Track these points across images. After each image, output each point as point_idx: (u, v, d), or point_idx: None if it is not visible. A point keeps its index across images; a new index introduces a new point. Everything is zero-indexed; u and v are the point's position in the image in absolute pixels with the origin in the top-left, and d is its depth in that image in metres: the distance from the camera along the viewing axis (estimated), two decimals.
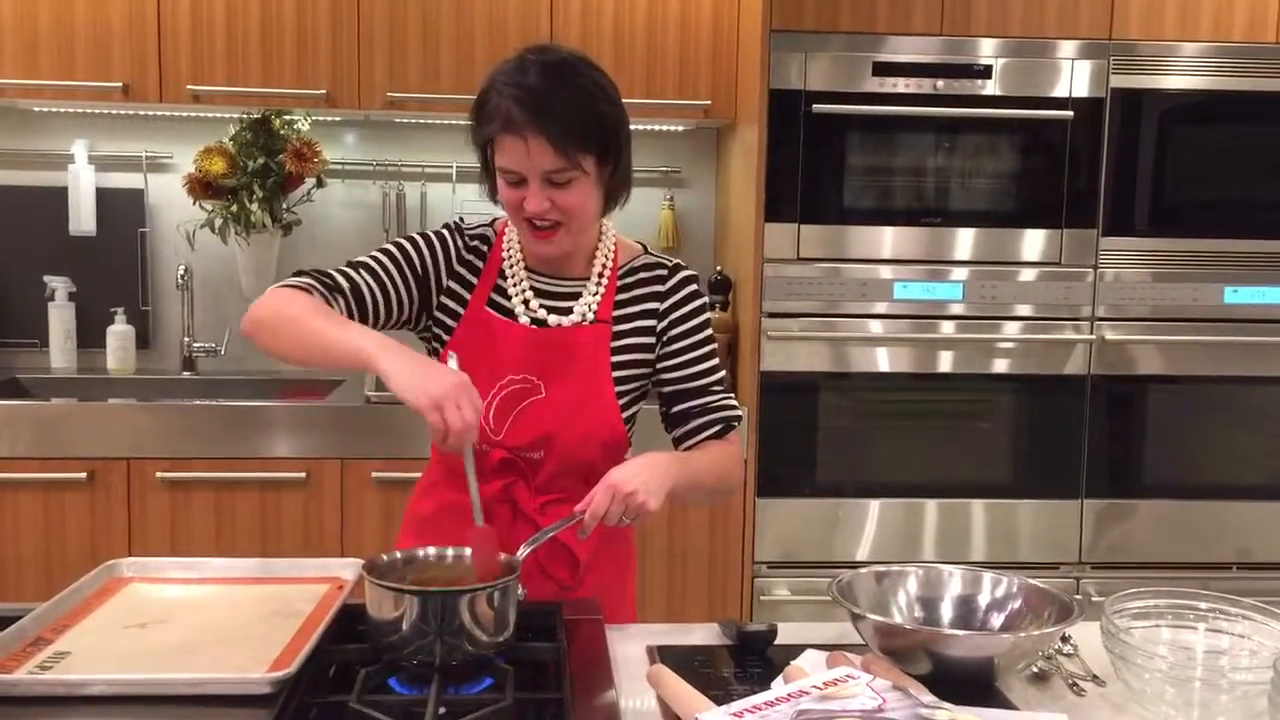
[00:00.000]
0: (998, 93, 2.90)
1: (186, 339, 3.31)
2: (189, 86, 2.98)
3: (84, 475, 2.78)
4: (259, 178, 3.13)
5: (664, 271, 1.73)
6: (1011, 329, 2.96)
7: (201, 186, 3.15)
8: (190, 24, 2.97)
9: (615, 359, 1.68)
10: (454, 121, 3.22)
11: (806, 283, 2.91)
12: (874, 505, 2.98)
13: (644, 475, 1.50)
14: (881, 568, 1.49)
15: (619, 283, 1.71)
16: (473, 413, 1.40)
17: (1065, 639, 1.46)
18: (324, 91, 3.01)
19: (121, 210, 3.31)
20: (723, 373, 1.75)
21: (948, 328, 2.95)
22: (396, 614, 1.26)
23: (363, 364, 1.45)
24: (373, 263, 1.67)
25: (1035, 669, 1.39)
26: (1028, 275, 2.95)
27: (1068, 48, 2.90)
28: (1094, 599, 2.92)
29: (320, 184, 3.27)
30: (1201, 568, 3.03)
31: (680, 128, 3.38)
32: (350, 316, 1.62)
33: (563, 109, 1.52)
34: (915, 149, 2.92)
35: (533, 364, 1.65)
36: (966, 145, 2.93)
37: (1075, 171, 2.93)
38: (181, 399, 2.99)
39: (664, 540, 2.94)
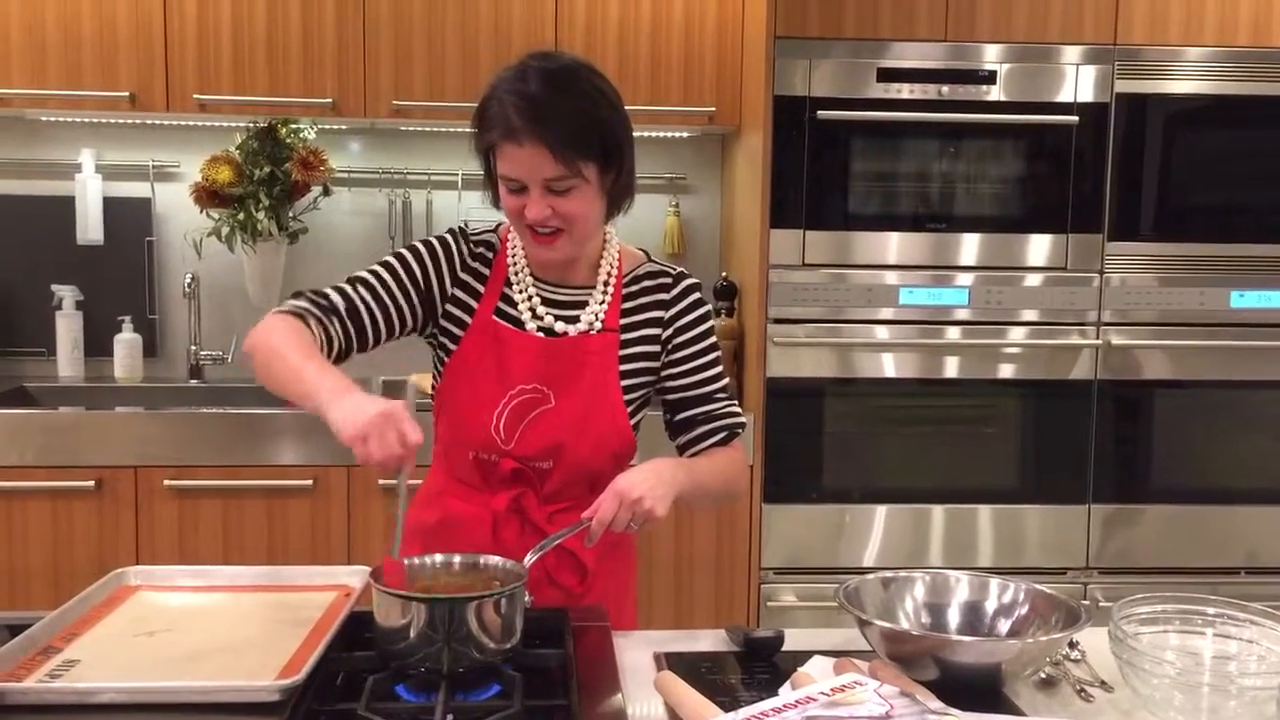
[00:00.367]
0: (1002, 98, 2.90)
1: (193, 347, 3.31)
2: (195, 96, 2.99)
3: (92, 483, 2.78)
4: (265, 186, 3.14)
5: (668, 280, 1.73)
6: (1017, 334, 2.96)
7: (208, 195, 3.16)
8: (197, 33, 2.98)
9: (623, 368, 1.68)
10: (459, 129, 3.22)
11: (812, 289, 2.91)
12: (880, 511, 2.98)
13: (651, 481, 1.50)
14: (888, 574, 1.49)
15: (624, 291, 1.71)
16: (397, 442, 1.34)
17: (1073, 645, 1.45)
18: (330, 100, 3.02)
19: (128, 219, 3.32)
20: (727, 380, 1.76)
21: (953, 333, 2.95)
22: (404, 621, 1.27)
23: (315, 410, 1.43)
24: (372, 278, 1.66)
25: (1043, 675, 1.39)
26: (1033, 281, 2.95)
27: (1072, 53, 2.90)
28: (1101, 604, 2.91)
29: (326, 192, 3.28)
30: (1209, 573, 3.03)
31: (685, 134, 3.38)
32: (348, 338, 1.61)
33: (563, 117, 1.51)
34: (920, 155, 2.92)
35: (542, 373, 1.64)
36: (971, 151, 2.93)
37: (1080, 177, 2.93)
38: (189, 407, 3.00)
39: (670, 546, 2.94)
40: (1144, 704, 1.29)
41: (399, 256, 1.68)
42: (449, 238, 1.70)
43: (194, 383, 3.31)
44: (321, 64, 3.02)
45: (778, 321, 2.91)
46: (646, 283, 1.72)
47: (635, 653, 1.47)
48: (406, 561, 1.42)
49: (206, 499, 2.82)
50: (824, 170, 2.89)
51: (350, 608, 1.43)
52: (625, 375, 1.68)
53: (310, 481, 2.83)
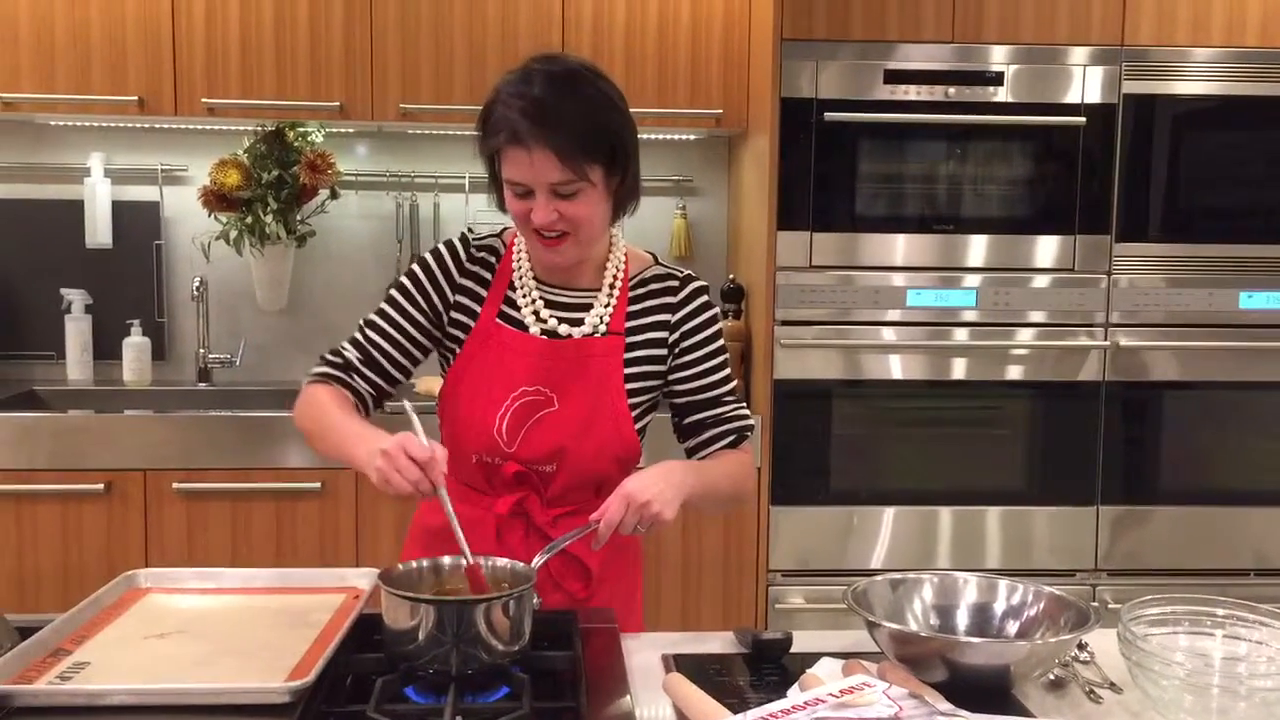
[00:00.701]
0: (1009, 99, 2.90)
1: (202, 350, 3.32)
2: (204, 100, 3.00)
3: (101, 486, 2.79)
4: (273, 190, 3.15)
5: (675, 283, 1.73)
6: (1025, 335, 2.96)
7: (216, 199, 3.17)
8: (205, 38, 2.99)
9: (627, 371, 1.68)
10: (466, 132, 3.19)
11: (819, 291, 2.91)
12: (888, 513, 2.97)
13: (659, 485, 1.50)
14: (897, 575, 1.49)
15: (630, 294, 1.70)
16: (413, 468, 1.41)
17: (1082, 646, 1.45)
18: (338, 103, 3.02)
19: (137, 223, 3.33)
20: (735, 382, 1.75)
21: (961, 335, 2.95)
22: (413, 623, 1.27)
23: (353, 467, 1.53)
24: (379, 319, 1.70)
25: (1052, 676, 1.39)
26: (1041, 282, 2.95)
27: (1079, 54, 2.90)
28: (1110, 606, 2.90)
29: (334, 195, 3.29)
30: (1218, 574, 3.02)
31: (692, 137, 3.39)
32: (374, 385, 1.69)
33: (568, 120, 1.51)
34: (927, 156, 2.92)
35: (545, 376, 1.64)
36: (978, 152, 2.93)
37: (1088, 177, 2.93)
38: (197, 410, 3.00)
39: (678, 549, 2.94)
40: (1153, 705, 1.29)
41: (400, 286, 1.70)
42: (443, 248, 1.71)
43: (202, 386, 3.32)
44: (329, 68, 3.02)
45: (785, 323, 2.91)
46: (653, 285, 1.72)
47: (643, 654, 1.47)
48: (415, 563, 1.43)
49: (215, 502, 2.83)
50: (831, 172, 2.89)
51: (360, 610, 1.44)
52: (630, 379, 1.68)
53: (318, 484, 2.84)
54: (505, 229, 1.75)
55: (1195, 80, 2.92)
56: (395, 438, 1.43)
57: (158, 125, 3.27)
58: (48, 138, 3.31)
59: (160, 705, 1.19)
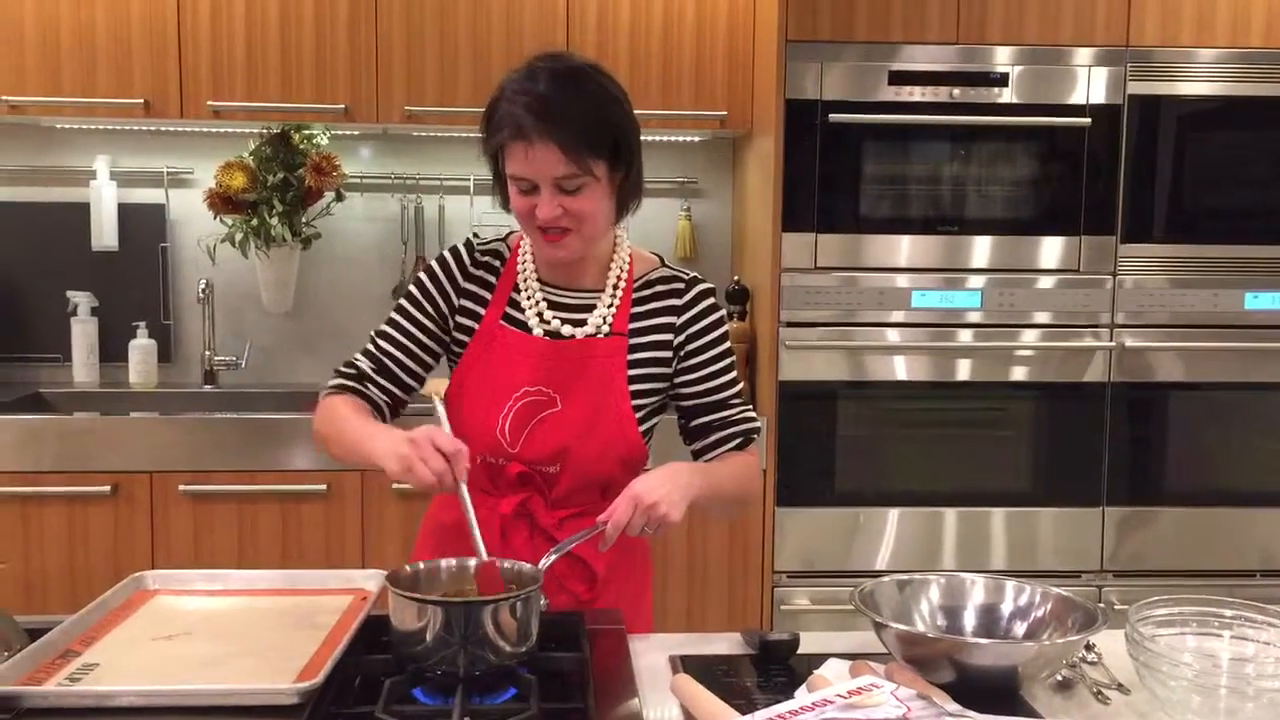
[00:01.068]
0: (1014, 100, 2.90)
1: (207, 353, 3.33)
2: (209, 102, 3.01)
3: (107, 488, 2.80)
4: (279, 192, 3.15)
5: (681, 285, 1.73)
6: (1030, 337, 2.96)
7: (222, 201, 3.18)
8: (210, 40, 3.00)
9: (632, 372, 1.68)
10: (471, 135, 3.23)
11: (824, 292, 2.91)
12: (893, 514, 2.97)
13: (666, 487, 1.50)
14: (904, 576, 1.49)
15: (635, 295, 1.71)
16: (437, 459, 1.43)
17: (1089, 647, 1.45)
18: (343, 106, 3.03)
19: (143, 225, 3.34)
20: (741, 385, 1.75)
21: (966, 336, 2.95)
22: (420, 624, 1.27)
23: (372, 463, 1.53)
24: (390, 328, 1.72)
25: (1060, 677, 1.39)
26: (1046, 283, 2.95)
27: (1084, 55, 2.90)
28: (1116, 607, 2.90)
29: (339, 198, 3.30)
30: (1224, 575, 3.02)
31: (697, 138, 3.39)
32: (388, 393, 1.71)
33: (572, 115, 1.52)
34: (932, 157, 2.92)
35: (547, 376, 1.65)
36: (983, 153, 2.93)
37: (1093, 178, 2.92)
38: (203, 412, 3.01)
39: (684, 550, 2.94)
40: (1161, 706, 1.29)
41: (408, 295, 1.73)
42: (448, 254, 1.72)
43: (208, 388, 3.32)
44: (334, 70, 3.03)
45: (790, 325, 2.91)
46: (659, 287, 1.72)
47: (651, 656, 1.47)
48: (423, 565, 1.43)
49: (221, 503, 2.83)
50: (836, 173, 2.89)
51: (367, 611, 1.44)
52: (634, 380, 1.68)
53: (324, 486, 2.84)
54: (510, 233, 1.76)
55: (1200, 81, 2.92)
56: (423, 429, 1.46)
57: (163, 128, 3.27)
58: (53, 140, 3.32)
59: (169, 707, 1.20)
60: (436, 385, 2.05)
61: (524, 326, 1.67)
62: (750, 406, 1.75)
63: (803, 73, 2.85)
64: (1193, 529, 3.03)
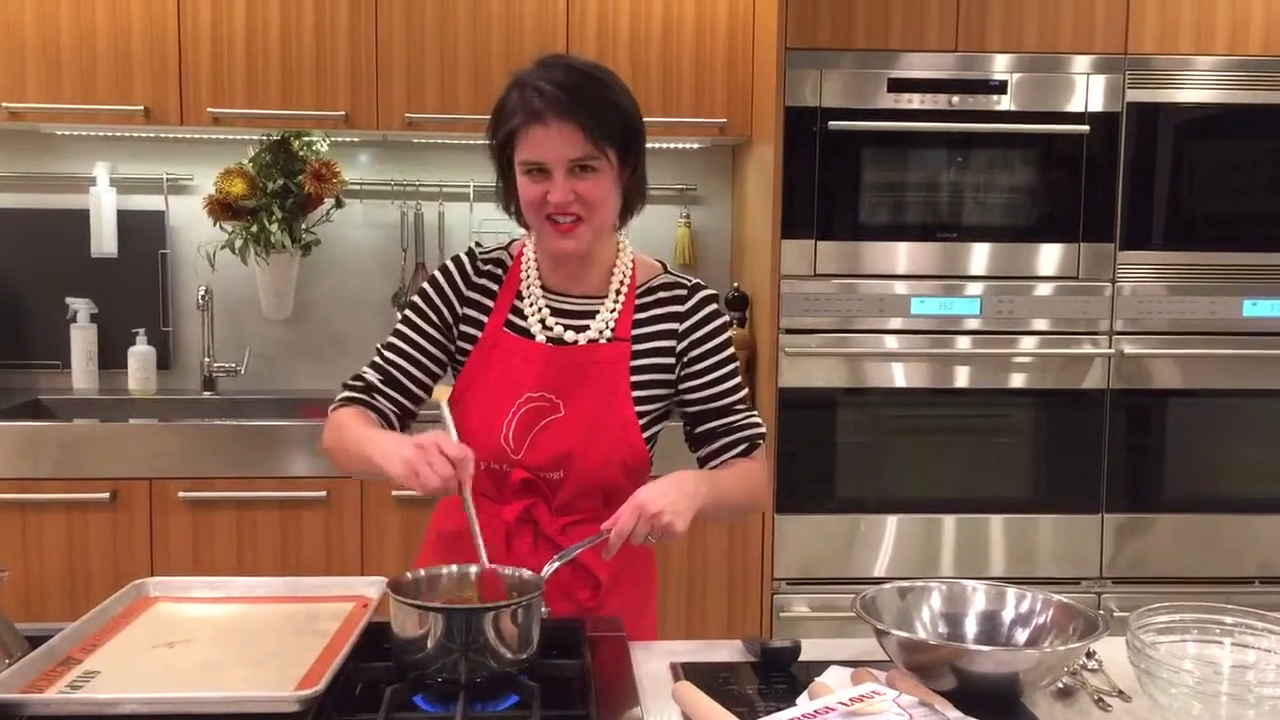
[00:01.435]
0: (1013, 108, 2.90)
1: (207, 359, 3.33)
2: (209, 109, 3.01)
3: (106, 495, 2.80)
4: (278, 199, 3.15)
5: (683, 291, 1.73)
6: (1029, 344, 2.96)
7: (221, 208, 3.18)
8: (210, 47, 3.00)
9: (635, 378, 1.68)
10: (472, 141, 3.24)
11: (823, 299, 2.92)
12: (893, 521, 2.97)
13: (672, 495, 1.50)
14: (905, 583, 1.49)
15: (637, 301, 1.71)
16: (443, 463, 1.43)
17: (1090, 654, 1.45)
18: (343, 113, 3.03)
19: (142, 232, 3.34)
20: (745, 390, 1.76)
21: (965, 343, 2.95)
22: (421, 632, 1.27)
23: (379, 470, 1.52)
24: (396, 339, 1.73)
25: (1061, 684, 1.39)
26: (1045, 290, 2.95)
27: (1082, 62, 2.91)
28: (1116, 614, 2.90)
29: (339, 204, 3.30)
30: (1223, 582, 3.02)
31: (696, 145, 3.39)
32: (397, 404, 1.71)
33: (589, 98, 1.55)
34: (931, 165, 2.93)
35: (550, 382, 1.65)
36: (982, 160, 2.93)
37: (1092, 186, 2.93)
38: (202, 419, 3.01)
39: (683, 557, 2.94)
40: (1162, 713, 1.29)
41: (412, 305, 1.74)
42: (451, 264, 1.73)
43: (207, 395, 3.32)
44: (334, 77, 3.03)
45: (789, 332, 2.92)
46: (661, 294, 1.73)
47: (652, 663, 1.47)
48: (424, 571, 1.44)
49: (220, 510, 2.83)
50: (835, 180, 2.89)
51: (368, 618, 1.44)
52: (637, 385, 1.68)
53: (324, 493, 2.84)
54: (513, 241, 1.76)
55: (1198, 88, 2.93)
56: (429, 434, 1.47)
57: (163, 134, 3.27)
58: (53, 147, 3.32)
59: (171, 714, 1.19)
60: (443, 391, 2.05)
61: (527, 333, 1.68)
62: (755, 412, 1.75)
63: (802, 80, 2.86)
64: (1191, 536, 3.03)
